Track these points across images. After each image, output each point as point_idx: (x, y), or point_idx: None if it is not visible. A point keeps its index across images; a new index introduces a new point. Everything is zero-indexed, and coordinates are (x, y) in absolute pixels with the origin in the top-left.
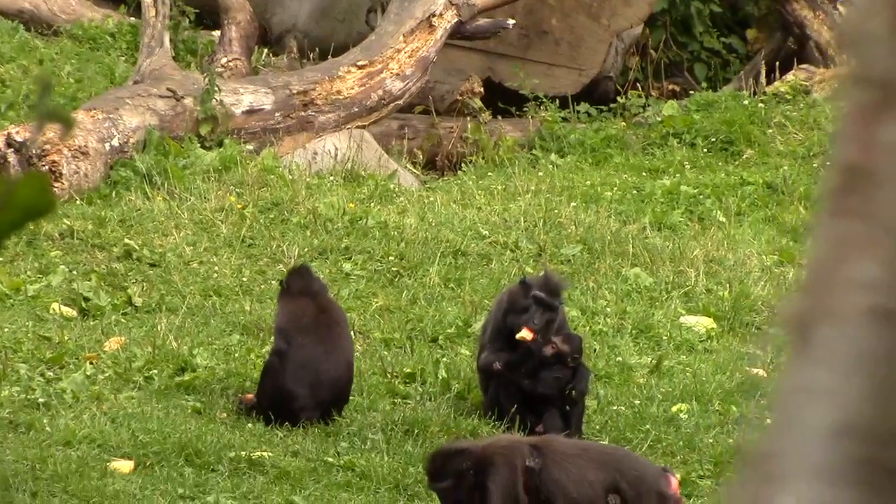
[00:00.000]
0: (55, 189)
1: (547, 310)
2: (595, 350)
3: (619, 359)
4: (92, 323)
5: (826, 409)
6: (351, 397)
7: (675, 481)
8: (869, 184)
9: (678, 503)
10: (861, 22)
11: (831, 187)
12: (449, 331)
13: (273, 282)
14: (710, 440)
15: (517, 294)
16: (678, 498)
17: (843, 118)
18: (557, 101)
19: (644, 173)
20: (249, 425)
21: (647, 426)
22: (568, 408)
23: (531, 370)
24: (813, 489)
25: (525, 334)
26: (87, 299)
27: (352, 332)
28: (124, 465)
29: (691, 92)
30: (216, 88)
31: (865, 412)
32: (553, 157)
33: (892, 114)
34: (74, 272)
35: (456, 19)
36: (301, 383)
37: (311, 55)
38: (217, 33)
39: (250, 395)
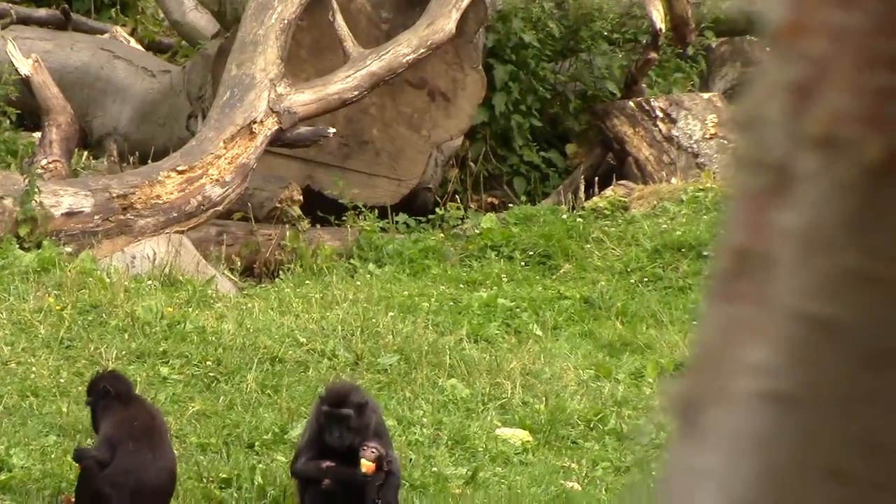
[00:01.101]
0: None
1: (339, 421)
2: (411, 460)
3: (435, 469)
4: None
5: (714, 491)
6: None
7: None
8: (760, 267)
9: None
10: (755, 106)
11: (719, 271)
12: (265, 437)
13: None
14: None
15: (318, 411)
16: None
17: (733, 202)
18: (377, 211)
19: (462, 285)
20: None
21: None
22: None
23: (357, 483)
24: None
25: (367, 464)
26: None
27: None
28: None
29: (510, 205)
30: (36, 190)
31: (754, 495)
32: (371, 266)
33: (786, 198)
34: None
35: (276, 126)
36: (120, 489)
37: (132, 159)
38: (38, 135)
39: (69, 497)
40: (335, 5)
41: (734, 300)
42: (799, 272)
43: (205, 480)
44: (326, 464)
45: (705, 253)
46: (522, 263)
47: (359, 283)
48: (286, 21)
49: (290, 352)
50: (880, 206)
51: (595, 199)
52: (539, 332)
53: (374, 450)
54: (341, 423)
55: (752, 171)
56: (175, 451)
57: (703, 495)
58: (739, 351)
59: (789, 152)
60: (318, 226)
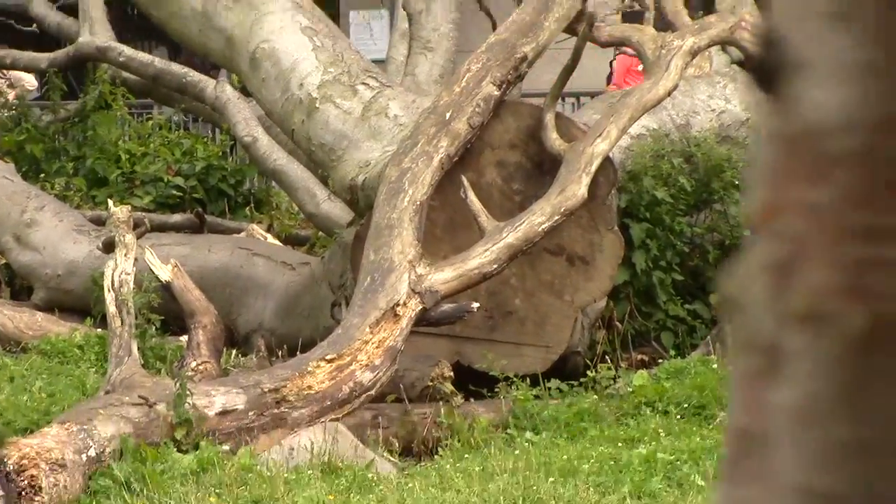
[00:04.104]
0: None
1: None
2: None
3: None
4: None
5: None
6: None
7: None
8: (761, 447)
9: None
10: (743, 288)
11: (726, 454)
12: None
13: None
14: None
15: None
16: None
17: (733, 384)
18: (528, 380)
19: (620, 444)
20: None
21: None
22: None
23: None
24: None
25: None
26: None
27: None
28: None
29: (660, 360)
30: (188, 392)
31: None
32: (528, 434)
33: (778, 376)
34: None
35: (420, 307)
36: None
37: (280, 352)
38: (184, 338)
39: None
40: (466, 183)
41: (741, 482)
42: (796, 448)
43: None
44: None
45: None
46: (678, 416)
47: (517, 451)
48: (418, 203)
49: None
50: (868, 376)
51: None
52: (701, 483)
53: None
54: None
55: (746, 353)
56: None
57: None
58: None
59: (777, 331)
60: (472, 399)
